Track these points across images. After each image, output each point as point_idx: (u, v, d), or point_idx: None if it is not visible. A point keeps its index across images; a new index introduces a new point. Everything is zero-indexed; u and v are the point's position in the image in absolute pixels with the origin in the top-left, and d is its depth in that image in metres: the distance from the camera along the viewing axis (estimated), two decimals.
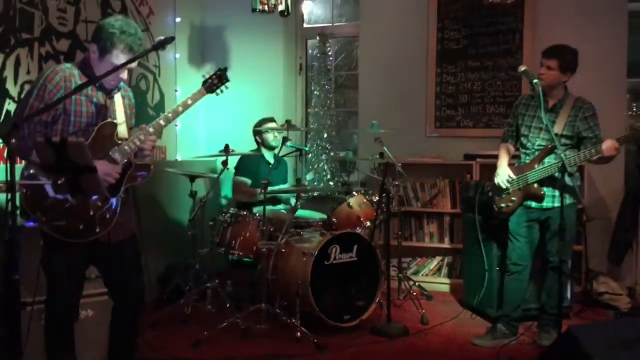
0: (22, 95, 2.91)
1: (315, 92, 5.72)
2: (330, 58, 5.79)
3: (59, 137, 2.13)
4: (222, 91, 2.93)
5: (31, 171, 2.48)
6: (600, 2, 4.88)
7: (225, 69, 2.93)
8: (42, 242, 2.57)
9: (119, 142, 2.61)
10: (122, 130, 2.64)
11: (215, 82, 2.88)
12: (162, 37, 2.33)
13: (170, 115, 2.73)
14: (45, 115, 2.46)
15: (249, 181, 4.71)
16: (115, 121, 2.61)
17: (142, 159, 2.71)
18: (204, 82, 2.89)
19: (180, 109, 2.76)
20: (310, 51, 5.99)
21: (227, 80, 2.92)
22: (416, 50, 5.35)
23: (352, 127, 6.21)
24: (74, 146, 2.06)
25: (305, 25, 5.99)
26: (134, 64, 2.56)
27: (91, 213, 2.52)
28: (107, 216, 2.58)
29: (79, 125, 2.55)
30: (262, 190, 4.00)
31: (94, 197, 2.48)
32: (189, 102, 2.78)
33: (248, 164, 4.74)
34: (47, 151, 2.07)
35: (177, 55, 5.36)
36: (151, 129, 2.66)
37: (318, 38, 5.73)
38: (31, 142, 2.37)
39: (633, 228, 4.59)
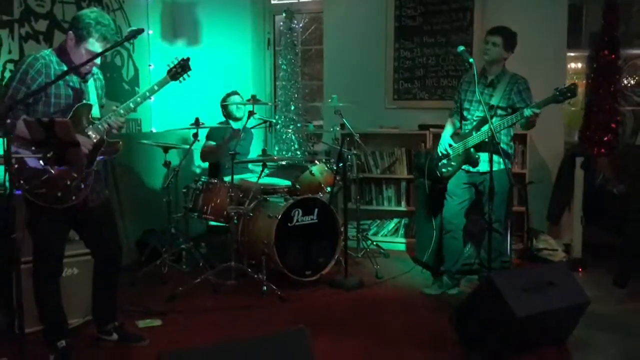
0: (7, 78, 3.21)
1: (282, 66, 6.05)
2: (295, 34, 6.09)
3: (48, 118, 2.48)
4: (184, 79, 3.22)
5: (14, 150, 2.78)
6: None
7: (187, 59, 3.20)
8: (26, 208, 2.90)
9: (93, 121, 2.96)
10: (95, 111, 3.00)
11: (179, 71, 3.17)
12: (134, 29, 2.68)
13: (139, 99, 3.06)
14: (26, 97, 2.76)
15: (214, 143, 5.07)
16: (90, 103, 2.96)
17: (112, 136, 3.04)
18: (169, 71, 3.17)
19: (148, 94, 3.09)
20: (280, 24, 6.26)
21: (190, 69, 3.20)
22: (376, 27, 5.70)
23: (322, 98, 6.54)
24: (60, 125, 2.42)
25: (272, 2, 6.28)
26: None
27: (67, 183, 2.86)
28: (82, 186, 2.93)
29: (58, 106, 2.89)
30: (230, 158, 4.35)
31: (74, 168, 2.83)
32: (156, 88, 3.10)
33: (217, 134, 5.10)
34: (37, 129, 2.42)
35: (150, 32, 5.59)
36: (122, 111, 3.00)
37: (284, 14, 6.03)
38: (15, 120, 2.68)
39: (570, 190, 5.05)
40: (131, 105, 3.04)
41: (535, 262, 4.93)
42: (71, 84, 2.94)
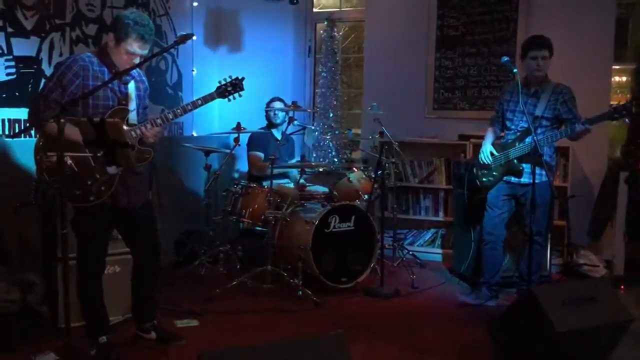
0: (49, 75, 3.27)
1: (322, 74, 6.08)
2: (336, 42, 6.13)
3: (99, 118, 2.53)
4: (234, 98, 3.17)
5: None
6: None
7: (242, 79, 3.14)
8: (72, 207, 2.97)
9: (127, 127, 2.94)
10: (132, 116, 3.00)
11: (229, 89, 3.13)
12: (183, 34, 2.71)
13: (179, 111, 3.03)
14: (60, 97, 2.81)
15: (262, 155, 5.13)
16: (127, 108, 2.98)
17: (145, 144, 3.04)
18: (218, 88, 3.12)
19: (190, 107, 3.05)
20: (322, 32, 6.30)
21: (242, 89, 3.15)
22: (417, 36, 5.69)
23: (359, 106, 6.57)
24: (112, 125, 2.48)
25: (314, 10, 6.34)
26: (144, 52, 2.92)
27: (88, 183, 2.86)
28: (103, 188, 2.91)
29: (96, 108, 2.91)
30: (270, 165, 4.41)
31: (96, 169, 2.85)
32: (199, 102, 3.06)
33: (259, 139, 5.17)
34: (88, 129, 2.49)
35: (194, 38, 5.72)
36: (159, 121, 2.99)
37: (326, 22, 6.08)
38: (46, 117, 2.74)
39: (612, 206, 4.94)
40: (170, 116, 3.01)
41: (575, 277, 4.83)
42: (110, 85, 2.94)
